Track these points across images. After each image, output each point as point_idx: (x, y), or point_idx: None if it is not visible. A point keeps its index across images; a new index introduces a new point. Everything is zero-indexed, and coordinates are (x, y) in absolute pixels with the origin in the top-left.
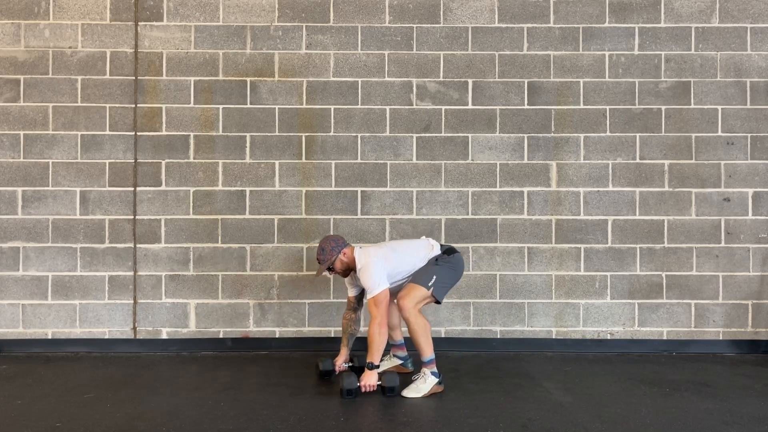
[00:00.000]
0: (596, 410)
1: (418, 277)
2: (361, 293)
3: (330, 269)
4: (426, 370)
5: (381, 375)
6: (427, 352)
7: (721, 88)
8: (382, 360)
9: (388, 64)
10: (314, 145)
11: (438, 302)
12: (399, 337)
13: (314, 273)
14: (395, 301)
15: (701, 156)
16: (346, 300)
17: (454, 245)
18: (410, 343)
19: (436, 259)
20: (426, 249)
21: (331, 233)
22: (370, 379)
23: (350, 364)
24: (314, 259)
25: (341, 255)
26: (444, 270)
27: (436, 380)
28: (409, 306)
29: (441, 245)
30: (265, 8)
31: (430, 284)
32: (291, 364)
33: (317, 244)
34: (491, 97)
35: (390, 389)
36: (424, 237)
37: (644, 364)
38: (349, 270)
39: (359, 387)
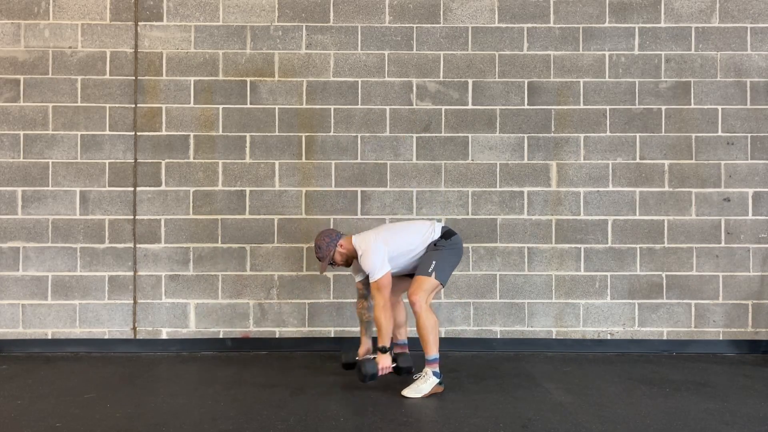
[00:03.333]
0: (596, 410)
1: (420, 268)
2: (368, 278)
3: (332, 263)
4: (428, 370)
5: (396, 356)
6: (433, 349)
7: (721, 88)
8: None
9: (388, 64)
10: (314, 145)
11: (442, 285)
12: (403, 337)
13: (315, 273)
14: (403, 298)
15: (701, 156)
16: (345, 300)
17: None
18: (413, 345)
19: (435, 243)
20: (425, 230)
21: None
22: (384, 362)
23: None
24: (314, 259)
25: (338, 247)
26: (443, 253)
27: (437, 380)
28: (421, 301)
29: (442, 227)
30: (265, 8)
31: (430, 270)
32: (291, 364)
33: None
34: (491, 97)
35: (406, 369)
36: (433, 221)
37: (644, 364)
38: (351, 259)
39: (378, 370)
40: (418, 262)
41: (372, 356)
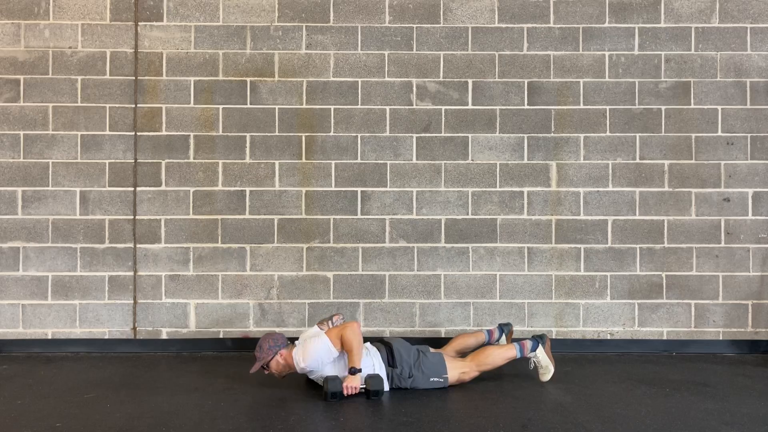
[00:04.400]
0: (596, 410)
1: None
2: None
3: (264, 368)
4: (529, 355)
5: (367, 379)
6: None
7: (721, 88)
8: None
9: (388, 64)
10: (314, 145)
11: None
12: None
13: (315, 272)
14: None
15: (701, 156)
16: (345, 300)
17: (455, 245)
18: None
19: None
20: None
21: (271, 333)
22: (352, 382)
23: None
24: (314, 259)
25: (278, 356)
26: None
27: (537, 345)
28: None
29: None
30: (265, 8)
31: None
32: None
33: (317, 244)
34: (491, 97)
35: (375, 393)
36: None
37: (644, 364)
38: (287, 372)
39: (342, 390)
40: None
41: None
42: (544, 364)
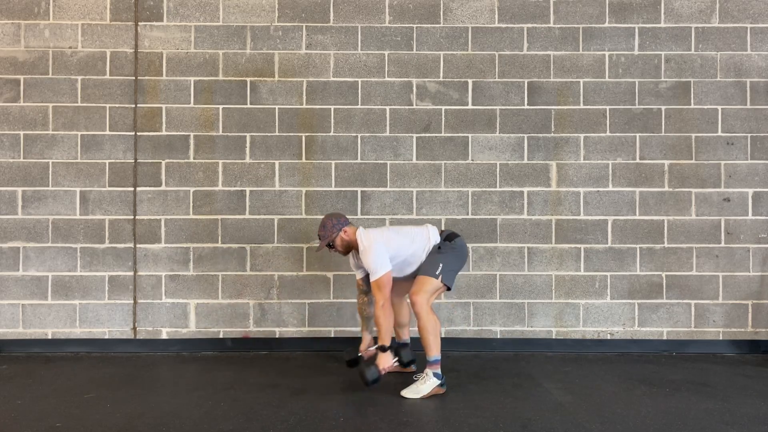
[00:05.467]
0: (596, 410)
1: (425, 268)
2: (368, 275)
3: (330, 246)
4: (429, 371)
5: (397, 350)
6: (434, 351)
7: (721, 88)
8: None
9: (388, 64)
10: (314, 145)
11: (449, 288)
12: (405, 336)
13: (315, 273)
14: (406, 298)
15: (701, 156)
16: (345, 300)
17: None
18: (415, 344)
19: (439, 246)
20: (425, 236)
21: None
22: (386, 362)
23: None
24: (315, 259)
25: (342, 233)
26: (448, 256)
27: (438, 382)
28: (422, 301)
29: (442, 231)
30: (265, 8)
31: (437, 273)
32: (291, 364)
33: (317, 243)
34: (491, 97)
35: (408, 363)
36: (426, 225)
37: (644, 364)
38: (350, 249)
39: (380, 374)
40: (420, 266)
41: (373, 362)
42: (423, 389)
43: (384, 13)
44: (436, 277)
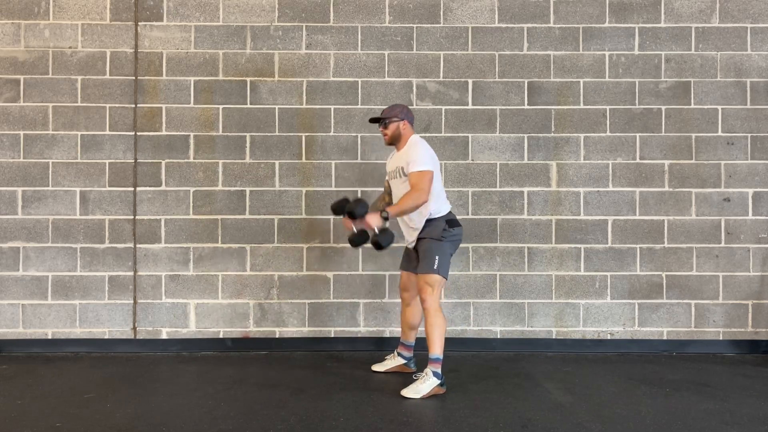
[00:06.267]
0: (596, 410)
1: (423, 264)
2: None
3: (384, 125)
4: (429, 370)
5: (381, 230)
6: (437, 349)
7: (721, 88)
8: (385, 359)
9: (388, 64)
10: (314, 145)
11: (445, 278)
12: (412, 339)
13: (315, 272)
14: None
15: (701, 156)
16: (345, 300)
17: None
18: (419, 344)
19: (443, 231)
20: (445, 199)
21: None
22: (373, 220)
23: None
24: (314, 259)
25: (402, 123)
26: (443, 246)
27: (438, 382)
28: (432, 300)
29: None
30: (265, 8)
31: (435, 267)
32: (291, 364)
33: (317, 244)
34: (491, 97)
35: (378, 245)
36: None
37: (644, 364)
38: (393, 141)
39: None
40: (421, 260)
41: (385, 230)
42: (423, 388)
43: (384, 13)
44: (436, 272)
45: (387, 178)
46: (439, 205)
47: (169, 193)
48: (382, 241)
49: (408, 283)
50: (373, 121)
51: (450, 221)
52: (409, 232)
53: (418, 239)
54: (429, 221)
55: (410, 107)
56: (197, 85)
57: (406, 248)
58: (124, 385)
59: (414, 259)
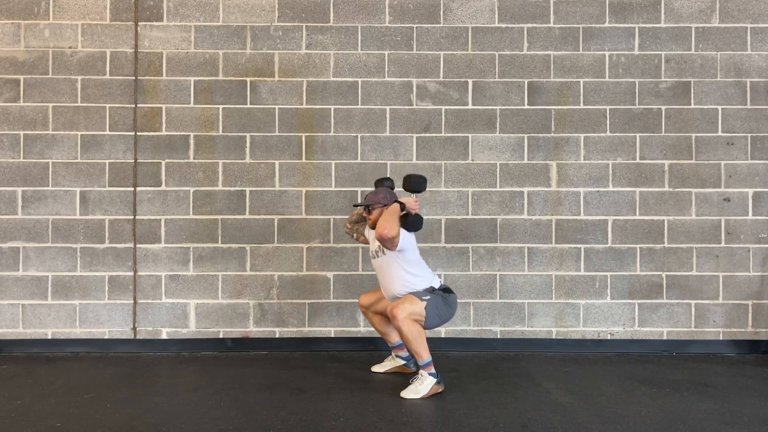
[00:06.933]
0: (596, 410)
1: (414, 293)
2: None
3: (369, 211)
4: (423, 372)
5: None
6: (423, 356)
7: (721, 88)
8: (384, 360)
9: (388, 64)
10: (314, 145)
11: (424, 326)
12: (396, 339)
13: (315, 273)
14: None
15: (701, 156)
16: (345, 300)
17: (455, 245)
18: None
19: (433, 289)
20: (430, 273)
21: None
22: (408, 202)
23: None
24: (314, 259)
25: (385, 208)
26: (438, 300)
27: (435, 380)
28: (402, 316)
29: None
30: (265, 8)
31: (424, 298)
32: (291, 364)
33: (317, 244)
34: (491, 97)
35: (411, 223)
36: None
37: (644, 364)
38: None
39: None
40: (412, 293)
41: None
42: (422, 389)
43: (384, 13)
44: (422, 300)
45: (366, 242)
46: (427, 277)
47: (169, 193)
48: (420, 221)
49: (373, 303)
50: (357, 206)
51: (444, 289)
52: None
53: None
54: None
55: (410, 107)
56: (197, 85)
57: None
58: (124, 385)
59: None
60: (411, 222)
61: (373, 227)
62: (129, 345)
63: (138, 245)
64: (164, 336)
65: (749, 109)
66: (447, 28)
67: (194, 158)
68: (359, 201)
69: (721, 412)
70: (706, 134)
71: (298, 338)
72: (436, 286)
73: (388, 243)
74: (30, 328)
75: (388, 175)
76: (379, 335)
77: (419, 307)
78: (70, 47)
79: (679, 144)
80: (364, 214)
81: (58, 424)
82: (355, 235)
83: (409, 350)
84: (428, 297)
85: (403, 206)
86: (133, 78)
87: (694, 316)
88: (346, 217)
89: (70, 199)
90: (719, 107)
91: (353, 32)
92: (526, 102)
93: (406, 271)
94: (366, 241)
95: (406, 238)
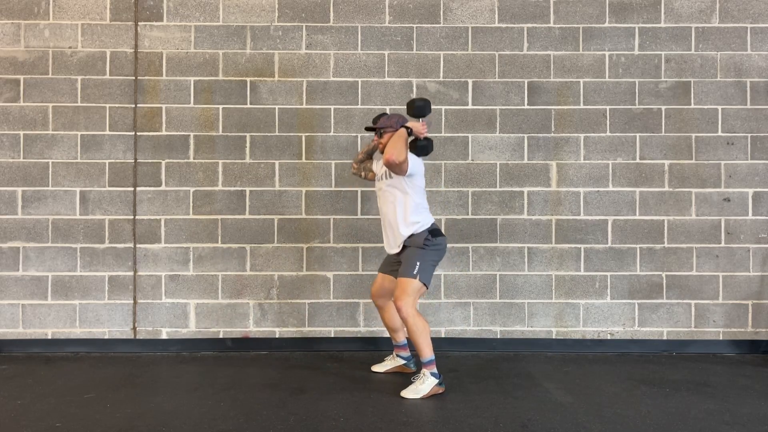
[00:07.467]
0: (596, 410)
1: (403, 268)
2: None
3: (380, 134)
4: (425, 371)
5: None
6: (426, 352)
7: (721, 88)
8: (384, 359)
9: (388, 64)
10: (314, 145)
11: (426, 287)
12: (402, 338)
13: (315, 273)
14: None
15: (701, 156)
16: (345, 300)
17: (455, 245)
18: (413, 345)
19: (426, 238)
20: (427, 210)
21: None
22: (417, 126)
23: None
24: (314, 259)
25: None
26: (426, 254)
27: (436, 381)
28: (407, 306)
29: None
30: (265, 8)
31: (414, 272)
32: (291, 364)
33: (317, 244)
34: (491, 97)
35: (422, 148)
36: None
37: (644, 364)
38: (377, 152)
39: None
40: (402, 266)
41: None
42: (423, 389)
43: (384, 13)
44: (414, 276)
45: (374, 177)
46: (423, 217)
47: (169, 193)
48: (430, 145)
49: (380, 289)
50: (369, 129)
51: (433, 231)
52: (391, 244)
53: (402, 248)
54: (412, 235)
55: None
56: (197, 85)
57: (388, 254)
58: (124, 385)
59: (395, 263)
60: (420, 147)
61: (383, 151)
62: (129, 345)
63: (138, 245)
64: (164, 336)
65: (749, 109)
66: (447, 28)
67: (194, 158)
68: (363, 177)
69: (721, 412)
70: (706, 134)
71: (298, 338)
72: (429, 226)
73: (397, 168)
74: (30, 328)
75: None
76: (378, 335)
77: (415, 284)
78: (70, 47)
79: (679, 144)
80: (375, 139)
81: (58, 424)
82: (363, 173)
83: (413, 344)
84: (416, 266)
85: (410, 131)
86: (133, 78)
87: (694, 316)
88: (347, 217)
89: (70, 199)
90: (719, 107)
91: (353, 32)
92: (526, 102)
93: (412, 199)
94: (374, 177)
95: (416, 163)
